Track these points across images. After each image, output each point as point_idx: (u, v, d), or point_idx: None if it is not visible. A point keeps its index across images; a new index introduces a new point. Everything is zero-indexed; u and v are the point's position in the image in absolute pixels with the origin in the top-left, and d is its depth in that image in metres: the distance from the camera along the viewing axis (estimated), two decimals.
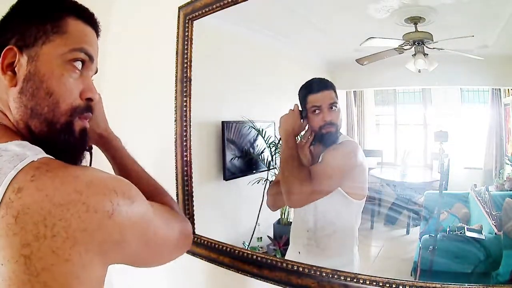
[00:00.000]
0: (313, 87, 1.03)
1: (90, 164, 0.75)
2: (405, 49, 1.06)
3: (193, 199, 1.40)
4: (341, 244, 1.02)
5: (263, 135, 1.39)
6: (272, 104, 1.46)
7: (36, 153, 0.54)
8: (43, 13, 0.62)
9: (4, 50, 0.59)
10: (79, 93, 0.64)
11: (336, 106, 1.00)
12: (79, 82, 0.64)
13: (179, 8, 1.41)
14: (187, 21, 1.38)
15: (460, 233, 1.05)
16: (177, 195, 1.44)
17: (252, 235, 1.33)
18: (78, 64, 0.64)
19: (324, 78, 1.05)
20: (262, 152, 1.41)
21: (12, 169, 0.49)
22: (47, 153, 0.56)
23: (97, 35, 0.71)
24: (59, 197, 0.49)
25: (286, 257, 1.18)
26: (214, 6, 1.28)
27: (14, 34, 0.60)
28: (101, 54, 1.88)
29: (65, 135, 0.64)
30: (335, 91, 1.04)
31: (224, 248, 1.30)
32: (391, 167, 1.26)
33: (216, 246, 1.32)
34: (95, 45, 0.69)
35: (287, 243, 1.34)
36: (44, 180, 0.50)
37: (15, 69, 0.59)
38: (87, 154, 0.75)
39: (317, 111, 1.00)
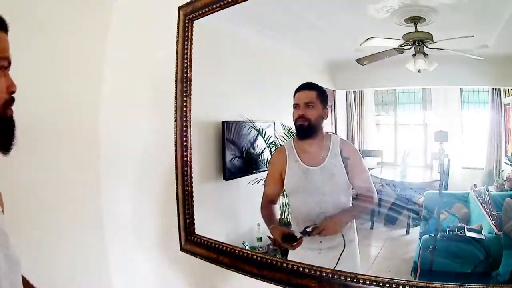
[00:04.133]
0: (298, 87, 1.16)
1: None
2: (405, 49, 1.06)
3: (193, 199, 1.40)
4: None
5: (263, 135, 1.39)
6: (272, 104, 1.46)
7: None
8: None
9: None
10: (5, 89, 0.78)
11: (312, 105, 1.11)
12: (3, 80, 0.78)
13: (179, 8, 1.41)
14: (187, 21, 1.38)
15: (460, 233, 1.05)
16: (177, 195, 1.44)
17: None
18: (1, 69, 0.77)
19: (309, 82, 1.17)
20: (262, 152, 1.41)
21: None
22: None
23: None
24: None
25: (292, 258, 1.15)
26: (214, 6, 1.28)
27: None
28: (101, 54, 1.89)
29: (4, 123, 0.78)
30: (319, 92, 1.13)
31: (224, 248, 1.30)
32: (391, 167, 1.27)
33: (216, 246, 1.32)
34: (8, 44, 0.81)
35: None
36: None
37: None
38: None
39: (296, 107, 1.13)
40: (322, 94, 1.14)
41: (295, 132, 1.15)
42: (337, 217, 1.09)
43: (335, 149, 1.12)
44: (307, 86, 1.14)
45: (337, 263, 1.05)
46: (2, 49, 0.79)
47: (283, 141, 1.34)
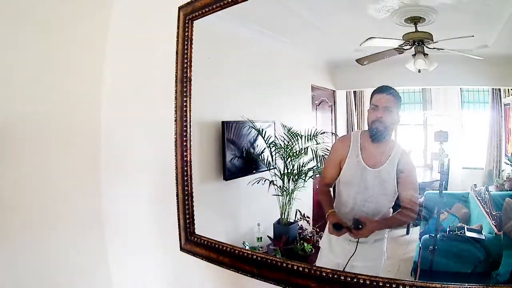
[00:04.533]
0: (378, 89, 1.14)
1: None
2: (405, 49, 1.06)
3: (193, 199, 1.40)
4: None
5: (263, 135, 1.39)
6: (272, 104, 1.46)
7: None
8: None
9: None
10: None
11: (390, 109, 1.11)
12: None
13: (179, 8, 1.41)
14: (187, 21, 1.39)
15: (460, 233, 1.05)
16: (177, 195, 1.44)
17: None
18: None
19: (388, 86, 1.14)
20: (262, 152, 1.41)
21: None
22: None
23: None
24: None
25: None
26: (214, 6, 1.28)
27: None
28: (101, 54, 1.89)
29: None
30: (396, 97, 1.12)
31: (224, 248, 1.30)
32: None
33: (216, 246, 1.32)
34: None
35: (287, 243, 1.34)
36: None
37: None
38: None
39: (374, 109, 1.13)
40: (398, 100, 1.13)
41: (368, 130, 1.14)
42: (377, 224, 1.11)
43: (394, 158, 1.11)
44: (386, 89, 1.12)
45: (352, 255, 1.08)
46: None
47: (283, 141, 1.34)
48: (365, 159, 1.13)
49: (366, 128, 1.16)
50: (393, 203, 1.12)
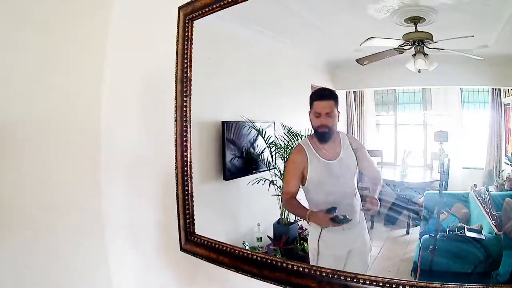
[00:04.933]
0: (317, 95, 1.24)
1: None
2: (405, 49, 1.06)
3: (193, 199, 1.40)
4: None
5: (263, 135, 1.39)
6: (272, 104, 1.46)
7: None
8: None
9: None
10: None
11: (332, 114, 1.21)
12: None
13: (179, 8, 1.41)
14: (187, 21, 1.39)
15: (460, 233, 1.05)
16: (177, 195, 1.44)
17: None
18: None
19: (327, 89, 1.27)
20: (262, 152, 1.41)
21: None
22: None
23: None
24: None
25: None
26: (214, 6, 1.28)
27: None
28: (101, 54, 1.89)
29: None
30: (336, 101, 1.22)
31: (224, 248, 1.30)
32: (391, 167, 1.27)
33: (216, 246, 1.32)
34: None
35: (287, 243, 1.34)
36: None
37: None
38: None
39: (317, 116, 1.21)
40: (337, 101, 1.23)
41: (313, 134, 1.24)
42: (373, 196, 1.20)
43: (345, 143, 1.23)
44: (326, 96, 1.22)
45: None
46: None
47: (283, 141, 1.34)
48: (324, 156, 1.23)
49: (313, 131, 1.23)
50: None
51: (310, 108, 1.22)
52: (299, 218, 1.38)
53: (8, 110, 1.47)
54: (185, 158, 1.40)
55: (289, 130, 1.33)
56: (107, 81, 1.78)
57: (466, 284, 0.82)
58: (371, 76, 1.23)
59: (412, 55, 1.06)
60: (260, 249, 1.35)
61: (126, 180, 1.72)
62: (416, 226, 1.17)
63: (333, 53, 1.36)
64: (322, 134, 1.21)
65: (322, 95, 1.22)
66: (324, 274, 1.03)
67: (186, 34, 1.39)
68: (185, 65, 1.38)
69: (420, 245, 1.09)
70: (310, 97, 1.23)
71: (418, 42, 1.04)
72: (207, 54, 1.40)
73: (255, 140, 1.42)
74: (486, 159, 1.07)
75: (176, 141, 1.43)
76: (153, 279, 1.66)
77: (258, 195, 1.40)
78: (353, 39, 1.17)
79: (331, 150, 1.22)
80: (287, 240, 1.34)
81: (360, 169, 1.23)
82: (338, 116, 1.22)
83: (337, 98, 1.23)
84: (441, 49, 1.03)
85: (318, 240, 1.18)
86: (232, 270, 1.26)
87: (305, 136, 1.31)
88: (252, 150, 1.43)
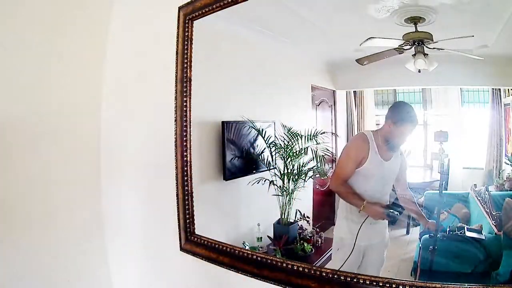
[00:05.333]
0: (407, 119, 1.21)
1: None
2: (405, 49, 1.06)
3: (193, 199, 1.40)
4: None
5: (263, 135, 1.39)
6: (272, 104, 1.46)
7: None
8: None
9: None
10: None
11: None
12: None
13: (179, 8, 1.41)
14: (187, 21, 1.39)
15: (460, 233, 1.05)
16: (177, 195, 1.44)
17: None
18: None
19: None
20: (262, 152, 1.41)
21: None
22: None
23: None
24: None
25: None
26: (214, 6, 1.28)
27: None
28: (102, 54, 1.89)
29: None
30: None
31: (224, 248, 1.30)
32: None
33: (216, 246, 1.32)
34: None
35: (287, 243, 1.34)
36: None
37: None
38: None
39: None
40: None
41: (383, 139, 1.23)
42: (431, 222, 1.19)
43: (398, 156, 1.24)
44: (414, 122, 1.23)
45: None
46: None
47: (283, 141, 1.34)
48: (381, 154, 1.23)
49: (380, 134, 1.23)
50: None
51: (394, 122, 1.19)
52: (300, 217, 1.38)
53: (8, 110, 1.47)
54: (185, 158, 1.40)
55: (289, 130, 1.33)
56: (107, 81, 1.78)
57: (466, 284, 0.82)
58: (371, 76, 1.23)
59: (412, 55, 1.06)
60: (260, 249, 1.35)
61: (126, 180, 1.72)
62: (416, 226, 1.17)
63: (333, 53, 1.36)
64: (394, 146, 1.23)
65: (413, 121, 1.20)
66: (324, 274, 1.03)
67: (186, 34, 1.39)
68: (185, 65, 1.38)
69: (420, 245, 1.09)
70: (402, 112, 1.21)
71: (418, 42, 1.04)
72: (207, 54, 1.40)
73: (255, 140, 1.42)
74: (486, 159, 1.07)
75: (176, 141, 1.43)
76: (153, 279, 1.66)
77: (258, 195, 1.40)
78: (353, 39, 1.17)
79: (388, 153, 1.24)
80: (287, 240, 1.34)
81: (396, 180, 1.24)
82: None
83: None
84: (441, 49, 1.03)
85: (358, 231, 1.18)
86: (232, 270, 1.26)
87: (305, 137, 1.31)
88: (252, 150, 1.43)
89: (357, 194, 1.25)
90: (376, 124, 1.33)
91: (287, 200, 1.35)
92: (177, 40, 1.41)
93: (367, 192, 1.24)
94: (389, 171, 1.26)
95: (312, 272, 1.06)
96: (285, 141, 1.34)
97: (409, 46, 1.06)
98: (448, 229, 1.07)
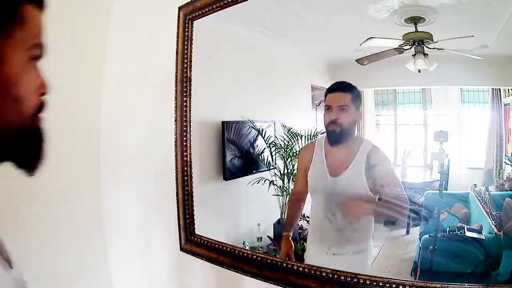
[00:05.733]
0: (331, 87, 1.08)
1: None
2: (405, 49, 1.06)
3: (193, 199, 1.40)
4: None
5: (263, 135, 1.39)
6: (272, 104, 1.46)
7: None
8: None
9: None
10: (36, 89, 0.55)
11: (345, 109, 1.02)
12: (34, 77, 0.54)
13: (179, 8, 1.41)
14: (187, 21, 1.38)
15: (460, 233, 1.05)
16: (177, 195, 1.44)
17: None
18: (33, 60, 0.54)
19: (343, 82, 1.08)
20: (262, 152, 1.41)
21: None
22: None
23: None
24: None
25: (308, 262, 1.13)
26: (214, 6, 1.28)
27: None
28: (102, 54, 1.88)
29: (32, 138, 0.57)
30: (353, 94, 1.06)
31: (224, 248, 1.30)
32: None
33: (216, 246, 1.32)
34: (42, 26, 0.56)
35: None
36: None
37: None
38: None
39: (328, 110, 1.06)
40: (357, 96, 1.07)
41: (324, 133, 1.09)
42: (357, 200, 1.02)
43: (361, 156, 1.03)
44: (340, 87, 1.06)
45: None
46: (34, 32, 0.53)
47: (283, 141, 1.34)
48: (330, 165, 1.06)
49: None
50: (371, 214, 1.07)
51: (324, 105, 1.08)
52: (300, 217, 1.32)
53: None
54: (185, 158, 1.40)
55: (289, 130, 1.33)
56: (107, 81, 1.78)
57: (466, 284, 0.82)
58: (371, 76, 1.23)
59: (412, 55, 1.06)
60: (260, 249, 1.35)
61: (126, 180, 1.72)
62: (416, 226, 1.17)
63: (333, 53, 1.36)
64: (332, 134, 1.03)
65: (335, 87, 1.05)
66: (324, 274, 1.03)
67: (186, 34, 1.39)
68: (185, 65, 1.38)
69: (420, 245, 1.09)
70: (325, 91, 1.10)
71: (418, 42, 1.04)
72: (207, 54, 1.40)
73: (255, 140, 1.42)
74: (486, 159, 1.07)
75: (176, 141, 1.43)
76: (153, 279, 1.66)
77: (258, 195, 1.40)
78: (353, 39, 1.17)
79: (343, 160, 1.04)
80: None
81: (375, 189, 1.02)
82: (360, 116, 1.05)
83: (357, 92, 1.06)
84: (441, 49, 1.03)
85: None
86: (232, 270, 1.26)
87: (305, 137, 1.31)
88: (252, 150, 1.43)
89: (292, 218, 1.14)
90: (376, 124, 1.33)
91: (287, 200, 1.35)
92: (177, 40, 1.41)
93: (314, 215, 1.07)
94: (341, 185, 1.01)
95: (312, 272, 1.06)
96: (285, 141, 1.34)
97: (409, 46, 1.06)
98: (448, 229, 1.07)
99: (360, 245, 1.08)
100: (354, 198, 1.03)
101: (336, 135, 1.04)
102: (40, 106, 0.56)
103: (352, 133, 1.07)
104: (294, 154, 1.34)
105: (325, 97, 1.08)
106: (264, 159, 1.40)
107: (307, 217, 1.39)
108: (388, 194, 1.04)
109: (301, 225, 1.38)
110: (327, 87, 1.10)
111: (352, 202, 1.04)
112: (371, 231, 1.08)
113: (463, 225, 1.06)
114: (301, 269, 1.08)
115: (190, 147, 1.40)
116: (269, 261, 1.16)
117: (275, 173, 1.36)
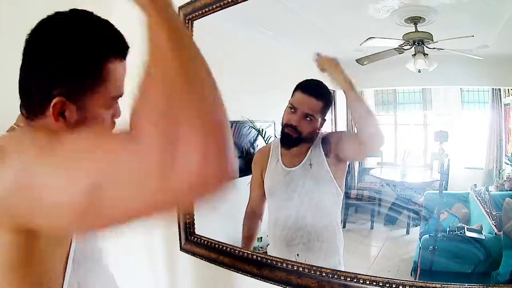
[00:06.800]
0: (304, 86, 0.98)
1: None
2: (405, 49, 1.06)
3: None
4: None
5: (263, 135, 1.39)
6: (272, 104, 1.46)
7: None
8: (85, 65, 0.63)
9: (55, 101, 0.61)
10: (110, 117, 0.69)
11: (311, 118, 0.91)
12: (112, 110, 0.69)
13: (179, 8, 1.41)
14: (187, 21, 1.38)
15: (460, 233, 1.05)
16: None
17: None
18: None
19: (320, 84, 0.97)
20: None
21: None
22: None
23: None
24: None
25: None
26: (214, 6, 1.27)
27: (57, 83, 0.62)
28: None
29: None
30: (325, 104, 0.95)
31: (224, 248, 1.30)
32: (391, 167, 1.26)
33: (216, 246, 1.32)
34: (125, 74, 0.72)
35: None
36: None
37: (65, 115, 0.62)
38: None
39: (292, 111, 0.95)
40: (328, 105, 0.97)
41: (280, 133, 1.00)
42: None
43: (316, 144, 0.97)
44: (316, 92, 0.95)
45: None
46: (121, 83, 0.68)
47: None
48: (287, 161, 0.98)
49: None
50: (340, 203, 0.98)
51: (289, 101, 0.97)
52: None
53: (8, 110, 1.47)
54: None
55: None
56: None
57: (466, 284, 0.82)
58: (371, 76, 1.23)
59: (412, 55, 1.06)
60: (260, 249, 1.35)
61: None
62: (416, 226, 1.17)
63: (333, 53, 1.35)
64: (287, 138, 0.94)
65: (311, 88, 0.93)
66: (324, 274, 1.03)
67: None
68: None
69: (420, 245, 1.09)
70: (296, 85, 1.00)
71: (418, 42, 1.04)
72: (207, 54, 1.40)
73: (255, 140, 1.42)
74: (486, 159, 1.07)
75: None
76: (153, 279, 1.66)
77: None
78: (353, 39, 1.17)
79: (299, 156, 0.97)
80: None
81: (347, 157, 0.92)
82: (322, 125, 0.95)
83: (331, 100, 0.97)
84: (441, 49, 1.03)
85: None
86: (232, 270, 1.26)
87: None
88: (252, 150, 1.43)
89: (248, 235, 1.02)
90: None
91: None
92: None
93: (276, 216, 0.95)
94: (301, 177, 0.92)
95: (312, 272, 1.06)
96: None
97: (409, 46, 1.06)
98: (448, 229, 1.07)
99: (332, 255, 1.02)
100: (319, 191, 0.95)
101: (291, 140, 0.97)
102: (111, 127, 0.68)
103: (310, 138, 0.98)
104: None
105: (294, 93, 0.98)
106: None
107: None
108: (355, 158, 0.95)
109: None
110: (300, 82, 0.99)
111: (319, 196, 0.97)
112: (340, 244, 1.00)
113: (463, 225, 1.06)
114: (301, 269, 1.08)
115: None
116: (269, 261, 1.16)
117: None
